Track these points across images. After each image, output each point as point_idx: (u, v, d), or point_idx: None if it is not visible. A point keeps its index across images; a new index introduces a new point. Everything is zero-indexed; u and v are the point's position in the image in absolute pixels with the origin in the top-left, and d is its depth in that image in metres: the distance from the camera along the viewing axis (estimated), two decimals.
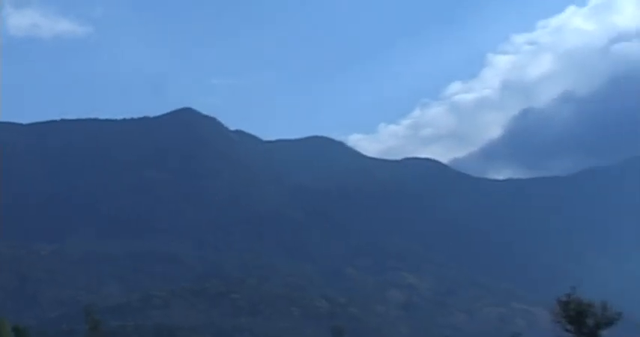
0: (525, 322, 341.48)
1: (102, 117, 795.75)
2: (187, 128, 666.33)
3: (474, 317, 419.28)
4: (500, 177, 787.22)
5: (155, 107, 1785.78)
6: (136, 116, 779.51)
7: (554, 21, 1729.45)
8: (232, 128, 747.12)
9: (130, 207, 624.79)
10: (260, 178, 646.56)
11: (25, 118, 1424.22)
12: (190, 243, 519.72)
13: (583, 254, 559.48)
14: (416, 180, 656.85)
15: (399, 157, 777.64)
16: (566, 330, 61.45)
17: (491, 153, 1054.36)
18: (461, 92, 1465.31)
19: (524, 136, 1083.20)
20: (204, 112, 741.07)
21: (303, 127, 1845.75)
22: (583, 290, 67.71)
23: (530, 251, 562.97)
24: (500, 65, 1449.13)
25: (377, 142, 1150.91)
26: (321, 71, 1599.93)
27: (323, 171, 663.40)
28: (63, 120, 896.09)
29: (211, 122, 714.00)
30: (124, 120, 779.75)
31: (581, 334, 62.16)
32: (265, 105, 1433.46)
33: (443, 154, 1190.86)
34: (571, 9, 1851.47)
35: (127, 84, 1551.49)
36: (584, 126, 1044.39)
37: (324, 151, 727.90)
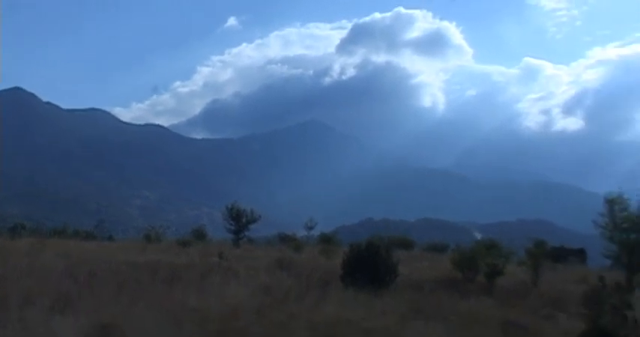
0: (208, 219, 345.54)
1: None
2: (18, 100, 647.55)
3: (180, 216, 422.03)
4: (199, 137, 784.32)
5: None
6: None
7: (235, 50, 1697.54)
8: (45, 100, 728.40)
9: None
10: (59, 131, 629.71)
11: None
12: (20, 165, 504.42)
13: (245, 183, 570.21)
14: (152, 137, 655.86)
15: (142, 122, 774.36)
16: (230, 224, 64.19)
17: (194, 122, 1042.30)
18: (180, 87, 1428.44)
19: (213, 113, 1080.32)
20: (29, 90, 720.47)
21: (89, 101, 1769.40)
22: (246, 203, 70.89)
23: (216, 179, 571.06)
24: (203, 73, 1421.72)
25: (130, 113, 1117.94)
26: (108, 64, 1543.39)
27: (98, 128, 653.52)
28: None
29: (32, 96, 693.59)
30: None
31: (239, 226, 64.49)
32: (67, 84, 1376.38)
33: (166, 122, 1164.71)
34: (244, 44, 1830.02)
35: None
36: (247, 110, 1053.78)
37: (99, 116, 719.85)
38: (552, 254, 48.61)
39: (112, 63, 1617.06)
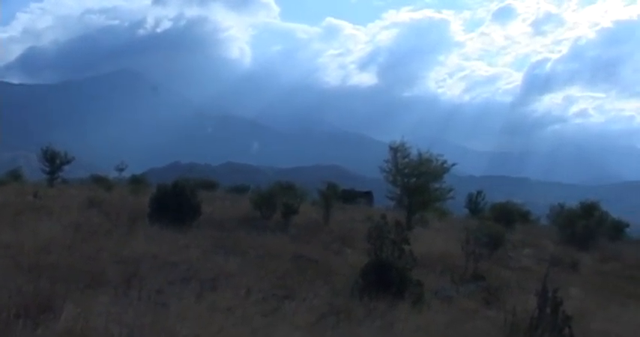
0: (25, 161, 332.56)
1: None
2: None
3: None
4: (16, 82, 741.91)
5: None
6: None
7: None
8: None
9: None
10: None
11: None
12: None
13: (59, 127, 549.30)
14: None
15: None
16: (45, 165, 60.12)
17: (11, 67, 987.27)
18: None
19: (31, 59, 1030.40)
20: None
21: None
22: (60, 146, 66.91)
23: (32, 123, 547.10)
24: (23, 19, 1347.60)
25: None
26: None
27: None
28: None
29: None
30: None
31: (53, 167, 60.18)
32: None
33: None
34: None
35: None
36: (64, 57, 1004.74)
37: None
38: (343, 196, 50.39)
39: None
